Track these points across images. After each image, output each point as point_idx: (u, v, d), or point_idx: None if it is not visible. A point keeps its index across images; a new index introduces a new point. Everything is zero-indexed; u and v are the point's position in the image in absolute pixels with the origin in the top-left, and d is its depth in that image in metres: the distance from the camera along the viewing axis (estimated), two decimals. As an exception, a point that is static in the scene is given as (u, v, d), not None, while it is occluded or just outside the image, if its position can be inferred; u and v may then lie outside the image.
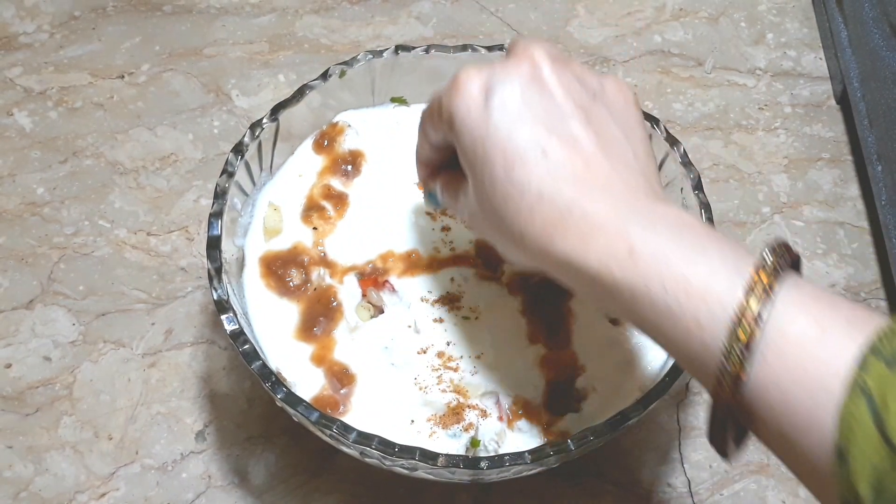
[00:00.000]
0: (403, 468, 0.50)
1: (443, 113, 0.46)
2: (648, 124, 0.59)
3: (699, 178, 0.57)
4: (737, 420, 0.38)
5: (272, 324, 0.55)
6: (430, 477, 0.51)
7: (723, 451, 0.40)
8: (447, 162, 0.49)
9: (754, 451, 0.61)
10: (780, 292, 0.37)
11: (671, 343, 0.39)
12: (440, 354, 0.54)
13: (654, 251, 0.39)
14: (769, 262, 0.37)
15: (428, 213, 0.59)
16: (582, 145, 0.42)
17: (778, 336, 0.36)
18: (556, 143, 0.42)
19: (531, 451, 0.49)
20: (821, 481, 0.36)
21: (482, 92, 0.44)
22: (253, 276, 0.57)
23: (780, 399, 0.36)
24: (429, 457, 0.48)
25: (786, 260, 0.38)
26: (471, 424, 0.53)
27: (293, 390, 0.50)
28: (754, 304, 0.36)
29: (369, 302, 0.56)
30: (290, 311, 0.56)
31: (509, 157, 0.42)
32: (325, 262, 0.57)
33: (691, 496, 0.60)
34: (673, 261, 0.38)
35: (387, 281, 0.56)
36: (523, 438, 0.53)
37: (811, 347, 0.35)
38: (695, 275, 0.38)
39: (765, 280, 0.37)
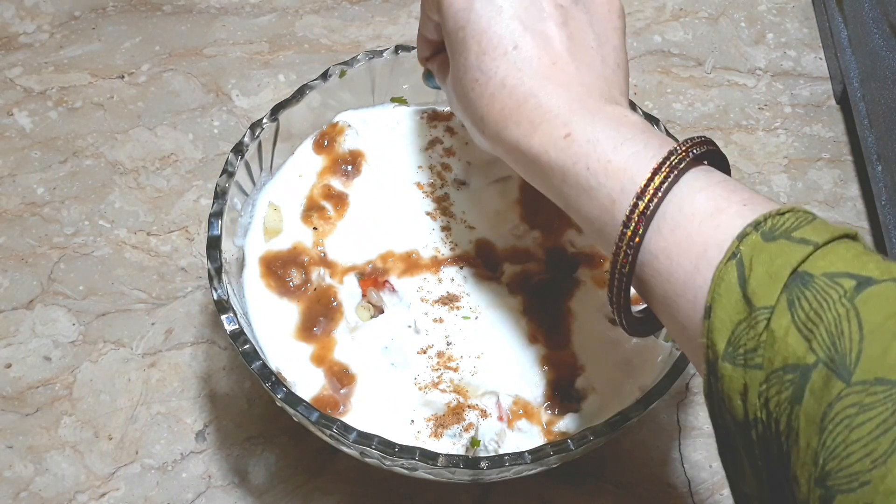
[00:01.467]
0: (403, 468, 0.50)
1: None
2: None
3: (699, 178, 0.57)
4: (629, 288, 0.42)
5: (272, 324, 0.55)
6: (430, 477, 0.51)
7: (623, 323, 0.43)
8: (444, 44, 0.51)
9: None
10: (687, 173, 0.40)
11: (587, 219, 0.43)
12: (440, 354, 0.54)
13: (588, 137, 0.42)
14: (682, 148, 0.40)
15: (428, 214, 0.59)
16: (552, 45, 0.45)
17: (675, 210, 0.39)
18: (529, 40, 0.45)
19: (531, 451, 0.49)
20: (692, 341, 0.38)
21: None
22: (253, 276, 0.57)
23: (666, 266, 0.39)
24: (429, 457, 0.48)
25: (701, 150, 0.40)
26: (471, 424, 0.53)
27: (293, 390, 0.50)
28: (658, 180, 0.39)
29: (369, 302, 0.56)
30: (290, 311, 0.56)
31: (483, 46, 0.45)
32: (325, 262, 0.57)
33: (691, 496, 0.60)
34: (601, 145, 0.42)
35: (387, 281, 0.56)
36: (523, 438, 0.53)
37: (702, 222, 0.38)
38: (617, 157, 0.41)
39: (673, 161, 0.40)
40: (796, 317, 0.34)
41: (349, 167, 0.60)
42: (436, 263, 0.57)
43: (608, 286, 0.42)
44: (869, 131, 0.69)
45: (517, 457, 0.48)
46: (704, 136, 0.42)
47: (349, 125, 0.61)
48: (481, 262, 0.57)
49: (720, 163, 0.42)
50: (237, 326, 0.51)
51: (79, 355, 0.63)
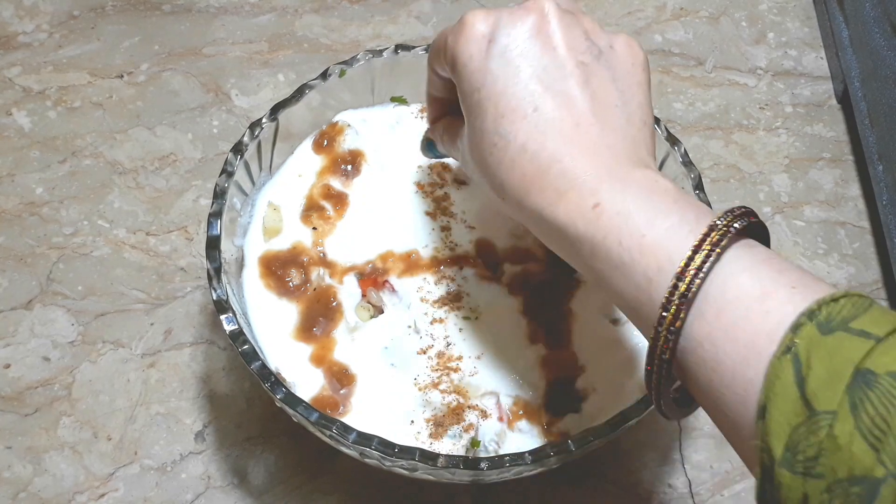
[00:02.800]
0: (403, 468, 0.50)
1: (447, 53, 0.45)
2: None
3: (700, 177, 0.57)
4: (671, 374, 0.38)
5: (272, 324, 0.55)
6: (430, 477, 0.51)
7: (662, 409, 0.40)
8: (454, 103, 0.48)
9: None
10: (728, 251, 0.37)
11: (621, 296, 0.40)
12: (440, 355, 0.54)
13: (618, 208, 0.39)
14: (723, 222, 0.38)
15: (428, 214, 0.58)
16: (575, 105, 0.42)
17: (718, 293, 0.36)
18: (550, 101, 0.42)
19: (531, 452, 0.49)
20: (743, 440, 0.36)
21: (486, 38, 0.43)
22: (252, 276, 0.56)
23: (711, 354, 0.36)
24: (429, 457, 0.48)
25: (743, 223, 0.38)
26: (471, 425, 0.52)
27: (293, 391, 0.50)
28: (699, 260, 0.37)
29: (369, 302, 0.56)
30: (289, 312, 0.56)
31: (501, 109, 0.42)
32: (324, 262, 0.57)
33: (692, 497, 0.60)
34: (633, 218, 0.39)
35: (387, 281, 0.56)
36: (523, 439, 0.53)
37: (749, 307, 0.36)
38: (651, 232, 0.38)
39: (714, 238, 0.37)
40: (861, 423, 0.31)
41: (349, 167, 0.60)
42: (436, 263, 0.57)
43: (646, 370, 0.39)
44: (870, 131, 0.69)
45: (517, 457, 0.48)
46: (744, 207, 0.39)
47: (349, 125, 0.61)
48: (481, 262, 0.57)
49: (760, 232, 0.40)
50: (236, 326, 0.51)
51: (78, 355, 0.63)
